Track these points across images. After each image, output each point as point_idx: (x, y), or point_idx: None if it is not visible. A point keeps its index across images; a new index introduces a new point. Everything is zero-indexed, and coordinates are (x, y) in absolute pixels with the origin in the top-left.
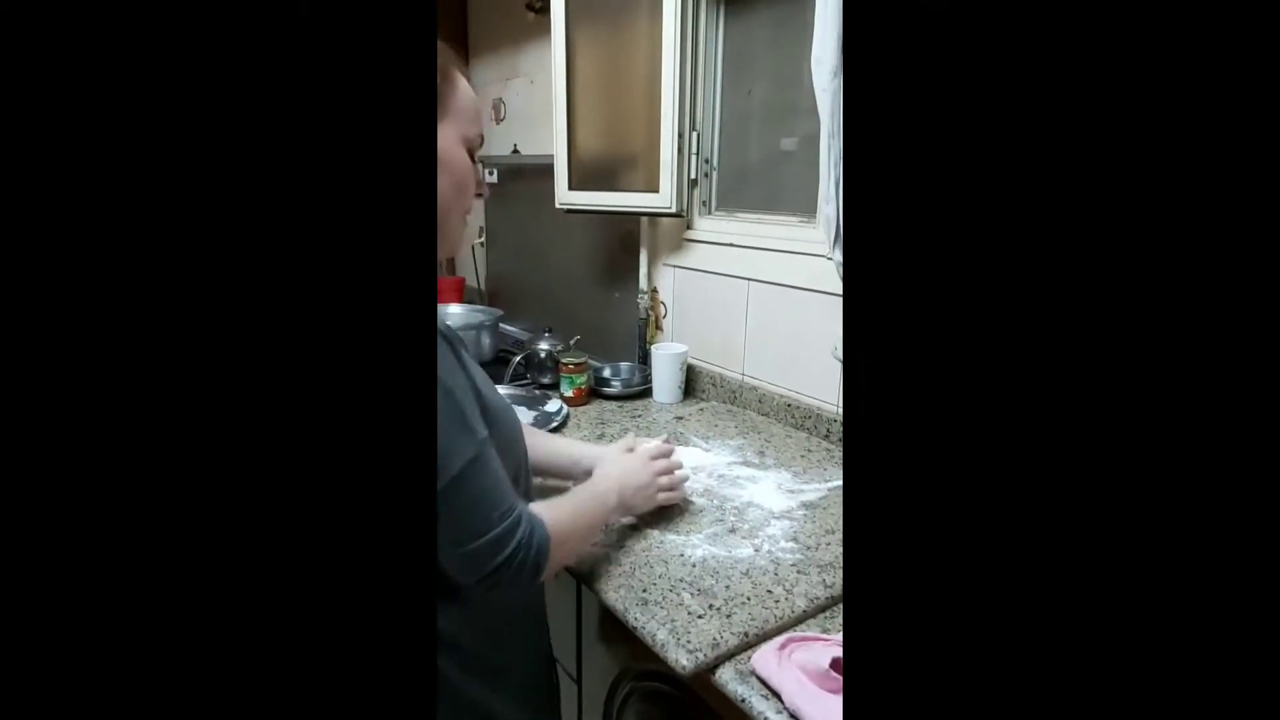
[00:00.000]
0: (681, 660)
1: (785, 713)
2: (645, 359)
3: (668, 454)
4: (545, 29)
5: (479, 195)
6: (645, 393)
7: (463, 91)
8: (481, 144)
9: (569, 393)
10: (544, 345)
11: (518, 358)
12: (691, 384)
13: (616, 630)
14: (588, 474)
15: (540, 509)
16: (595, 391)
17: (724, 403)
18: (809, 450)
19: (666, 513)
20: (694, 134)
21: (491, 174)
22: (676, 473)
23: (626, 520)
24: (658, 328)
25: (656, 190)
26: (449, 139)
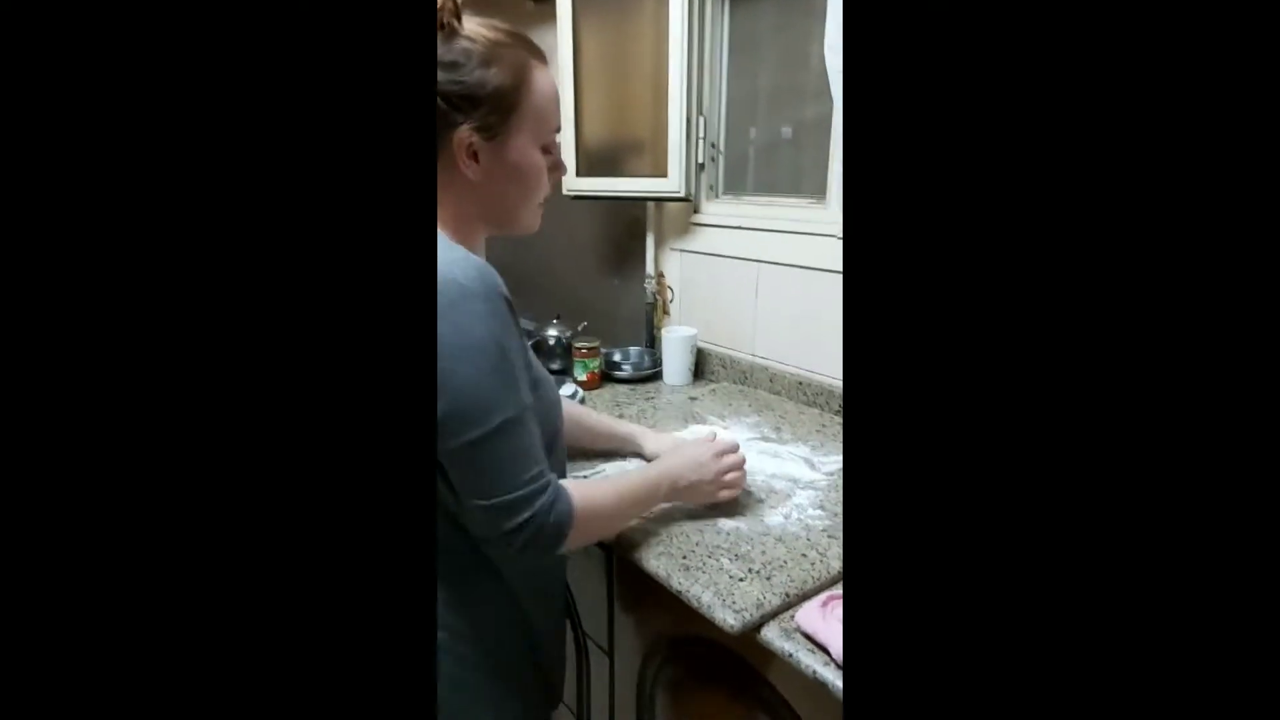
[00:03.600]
0: (729, 620)
1: (833, 664)
2: (653, 343)
3: (734, 449)
4: (546, 17)
5: (558, 174)
6: (655, 376)
7: (538, 92)
8: (560, 129)
9: (583, 377)
10: (553, 331)
11: (528, 344)
12: (701, 366)
13: (649, 602)
14: (635, 453)
15: (574, 485)
16: (606, 375)
17: (735, 383)
18: (823, 425)
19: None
20: (700, 118)
21: None
22: (733, 475)
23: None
24: (665, 312)
25: (664, 175)
26: (522, 145)
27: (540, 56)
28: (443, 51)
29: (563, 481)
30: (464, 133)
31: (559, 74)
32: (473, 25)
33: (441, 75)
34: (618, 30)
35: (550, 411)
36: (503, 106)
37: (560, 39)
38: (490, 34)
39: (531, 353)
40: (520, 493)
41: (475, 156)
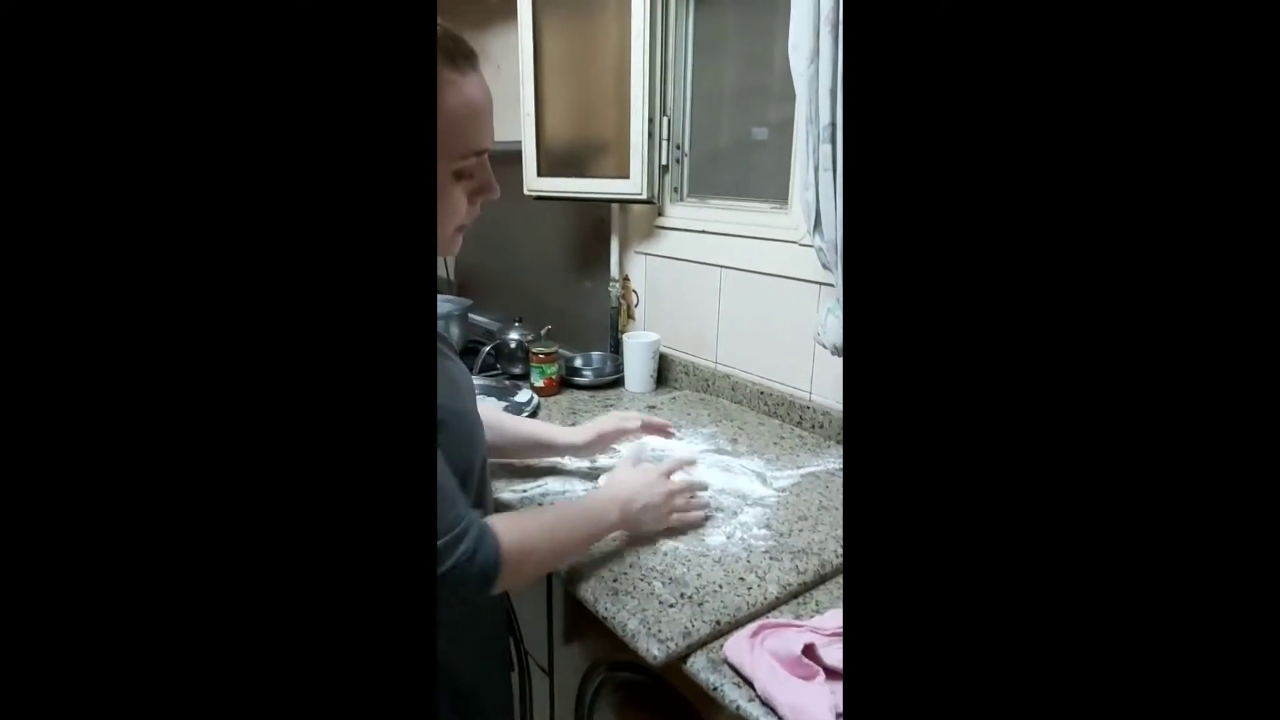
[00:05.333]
0: (653, 650)
1: (757, 700)
2: (617, 348)
3: (689, 465)
4: (509, 14)
5: (485, 198)
6: (617, 382)
7: (446, 112)
8: (490, 143)
9: (540, 383)
10: (514, 335)
11: (487, 348)
12: (664, 373)
13: (588, 622)
14: (547, 450)
15: (505, 522)
16: (566, 381)
17: (697, 391)
18: (782, 437)
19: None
20: (664, 119)
21: None
22: (698, 495)
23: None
24: (630, 316)
25: (627, 176)
26: None
27: (460, 64)
28: None
29: (491, 519)
30: None
31: (519, 72)
32: None
33: None
34: (580, 28)
35: (462, 450)
36: None
37: (521, 36)
38: None
39: (450, 387)
40: (437, 543)
41: None
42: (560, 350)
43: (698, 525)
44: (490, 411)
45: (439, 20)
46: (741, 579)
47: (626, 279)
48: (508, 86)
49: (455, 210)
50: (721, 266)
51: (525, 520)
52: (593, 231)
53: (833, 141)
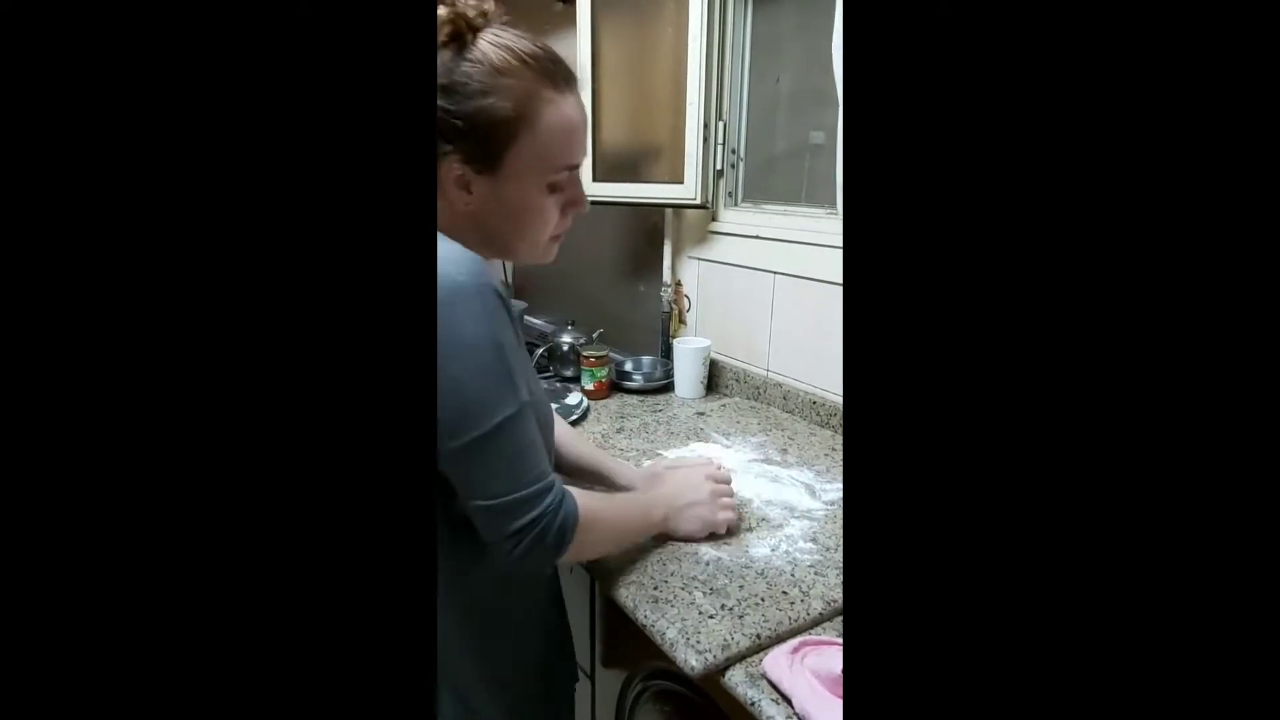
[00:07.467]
0: (691, 661)
1: (795, 718)
2: (668, 353)
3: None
4: (573, 20)
5: (576, 211)
6: (667, 387)
7: (544, 127)
8: (581, 158)
9: (590, 386)
10: (566, 338)
11: (540, 350)
12: (714, 379)
13: (630, 628)
14: (605, 484)
15: (575, 491)
16: (616, 385)
17: (747, 399)
18: (833, 449)
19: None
20: (720, 124)
21: None
22: (728, 499)
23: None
24: (681, 321)
25: (681, 181)
26: (520, 183)
27: (560, 84)
28: (443, 71)
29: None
30: (452, 163)
31: (578, 76)
32: (485, 44)
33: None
34: (637, 33)
35: (546, 428)
36: (496, 140)
37: (580, 42)
38: (498, 57)
39: (530, 364)
40: (525, 492)
41: (467, 187)
42: (611, 354)
43: (733, 531)
44: (560, 426)
45: (542, 42)
46: (785, 593)
47: (679, 284)
48: None
49: (548, 221)
50: (775, 273)
51: (589, 496)
52: (646, 236)
53: None
